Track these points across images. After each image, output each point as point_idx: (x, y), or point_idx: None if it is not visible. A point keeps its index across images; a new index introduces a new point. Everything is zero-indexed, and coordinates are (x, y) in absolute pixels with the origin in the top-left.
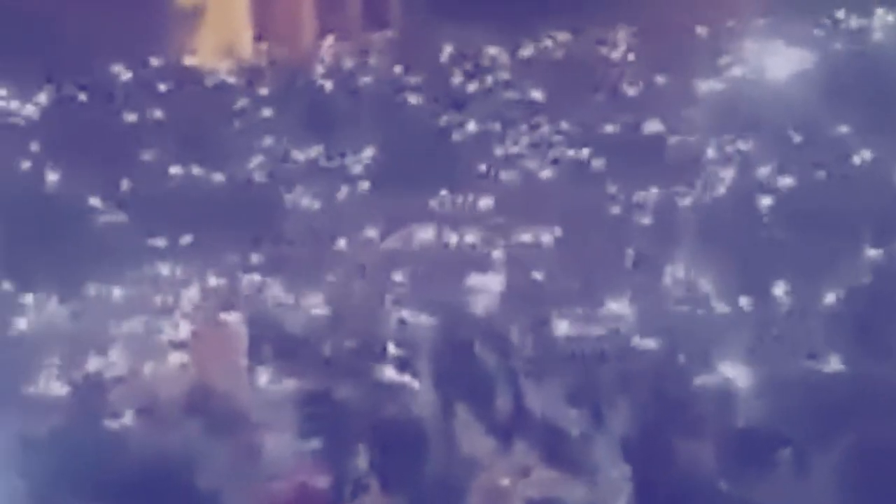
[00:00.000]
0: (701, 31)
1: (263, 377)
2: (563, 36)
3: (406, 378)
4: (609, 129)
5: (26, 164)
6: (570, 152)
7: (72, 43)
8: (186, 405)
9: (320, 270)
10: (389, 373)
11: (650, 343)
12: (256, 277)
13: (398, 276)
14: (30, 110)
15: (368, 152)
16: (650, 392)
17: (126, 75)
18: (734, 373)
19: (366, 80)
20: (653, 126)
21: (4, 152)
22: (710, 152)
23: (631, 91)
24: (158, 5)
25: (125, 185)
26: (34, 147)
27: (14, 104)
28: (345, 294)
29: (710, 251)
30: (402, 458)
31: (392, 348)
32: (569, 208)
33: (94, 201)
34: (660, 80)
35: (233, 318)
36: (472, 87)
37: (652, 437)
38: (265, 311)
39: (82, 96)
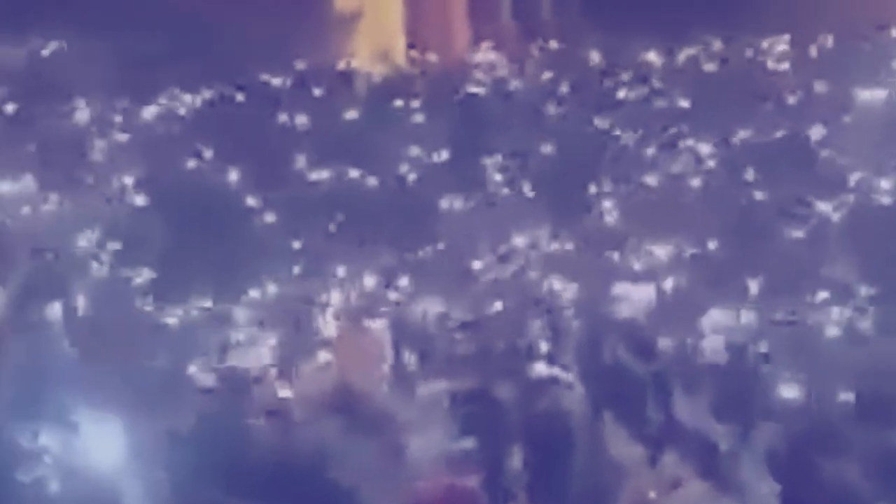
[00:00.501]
0: (860, 38)
1: (411, 377)
2: (716, 44)
3: (555, 383)
4: (763, 137)
5: (187, 164)
6: (720, 160)
7: (230, 47)
8: (334, 404)
9: (471, 274)
10: (538, 375)
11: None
12: (407, 279)
13: (549, 282)
14: (192, 112)
15: (517, 159)
16: (800, 408)
17: (282, 80)
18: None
19: (517, 86)
20: (810, 134)
21: (167, 152)
22: (867, 163)
23: (788, 99)
24: (315, 12)
25: (280, 186)
26: (196, 147)
27: (178, 105)
28: (495, 298)
29: (867, 262)
30: (549, 463)
31: (541, 351)
32: (719, 217)
33: (252, 201)
34: (818, 88)
35: (382, 319)
36: (623, 93)
37: (802, 454)
38: (415, 313)
39: (240, 97)
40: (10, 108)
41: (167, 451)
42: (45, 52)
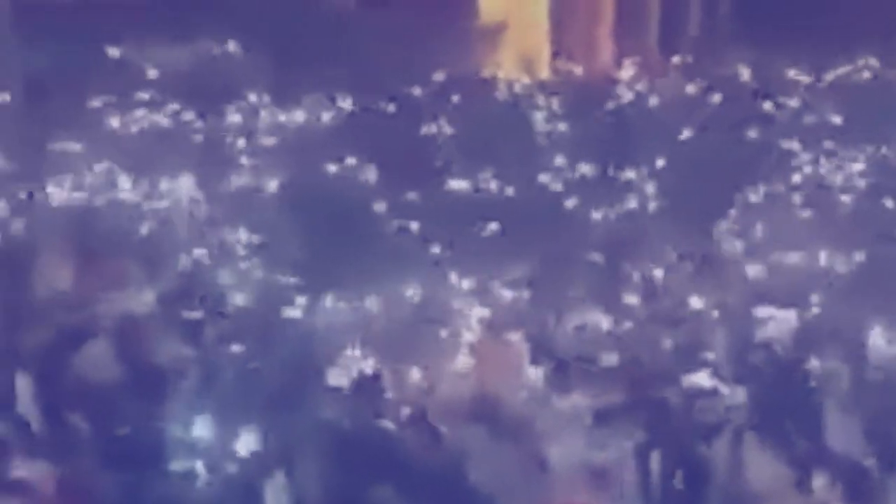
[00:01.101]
0: None
1: (549, 389)
2: (871, 60)
3: (700, 397)
4: None
5: (330, 169)
6: (871, 178)
7: (376, 57)
8: (472, 412)
9: (611, 285)
10: (684, 388)
11: None
12: (545, 289)
13: (691, 301)
14: (336, 121)
15: (659, 173)
16: None
17: (426, 89)
18: None
19: (661, 99)
20: None
21: (311, 160)
22: None
23: None
24: (461, 22)
25: (419, 193)
26: (337, 155)
27: (324, 115)
28: (638, 310)
29: None
30: (687, 482)
31: (688, 366)
32: (870, 234)
33: (391, 208)
34: None
35: (520, 329)
36: (770, 108)
37: None
38: (554, 323)
39: (388, 107)
40: (173, 107)
41: (306, 451)
42: (211, 55)
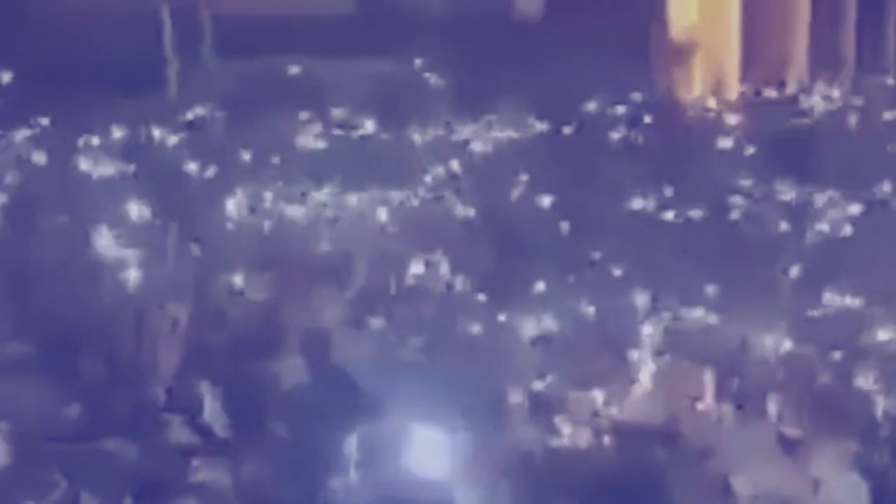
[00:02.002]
0: None
1: (726, 413)
2: None
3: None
4: None
5: (514, 190)
6: None
7: (563, 76)
8: (653, 436)
9: (800, 309)
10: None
11: None
12: (727, 313)
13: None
14: (520, 139)
15: (854, 195)
16: None
17: (612, 108)
18: None
19: (855, 121)
20: None
21: (495, 180)
22: None
23: None
24: (650, 43)
25: (601, 214)
26: (521, 174)
27: (509, 133)
28: (820, 334)
29: None
30: None
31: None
32: None
33: (563, 226)
34: None
35: (699, 350)
36: None
37: None
38: (733, 343)
39: (567, 129)
40: (359, 125)
41: (482, 466)
42: (393, 72)
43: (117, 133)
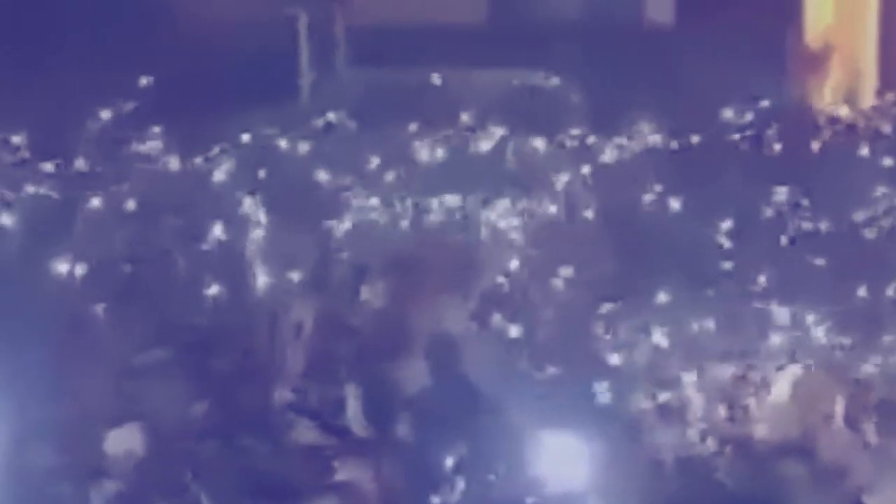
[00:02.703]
0: None
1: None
2: None
3: None
4: None
5: (643, 200)
6: None
7: (692, 85)
8: (783, 451)
9: None
10: None
11: None
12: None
13: None
14: (650, 149)
15: None
16: None
17: (743, 116)
18: None
19: None
20: None
21: (627, 187)
22: None
23: None
24: (782, 49)
25: (733, 222)
26: (649, 184)
27: (639, 142)
28: None
29: None
30: None
31: None
32: None
33: (690, 237)
34: None
35: (832, 366)
36: None
37: None
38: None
39: (697, 138)
40: (499, 131)
41: (608, 475)
42: (543, 85)
43: (249, 140)
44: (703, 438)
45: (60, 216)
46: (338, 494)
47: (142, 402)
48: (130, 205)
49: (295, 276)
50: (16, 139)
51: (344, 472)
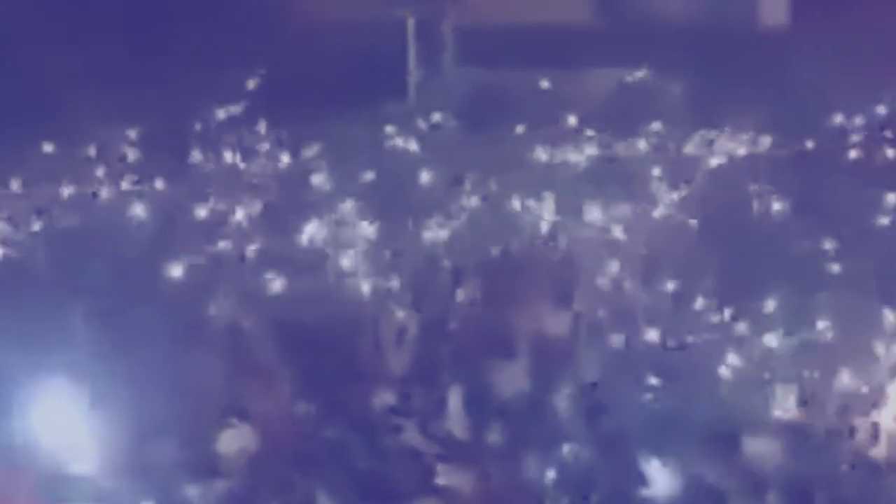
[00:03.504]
0: None
1: None
2: None
3: None
4: None
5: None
6: None
7: (804, 90)
8: None
9: None
10: None
11: None
12: None
13: None
14: (754, 153)
15: None
16: None
17: (856, 122)
18: None
19: None
20: None
21: (734, 192)
22: None
23: None
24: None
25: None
26: (761, 188)
27: (747, 147)
28: None
29: None
30: None
31: None
32: None
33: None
34: None
35: None
36: None
37: None
38: None
39: (809, 144)
40: (604, 133)
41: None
42: (629, 79)
43: (354, 139)
44: (822, 453)
45: (174, 214)
46: (439, 498)
47: (252, 401)
48: (240, 202)
49: (397, 278)
50: (131, 136)
51: (445, 476)
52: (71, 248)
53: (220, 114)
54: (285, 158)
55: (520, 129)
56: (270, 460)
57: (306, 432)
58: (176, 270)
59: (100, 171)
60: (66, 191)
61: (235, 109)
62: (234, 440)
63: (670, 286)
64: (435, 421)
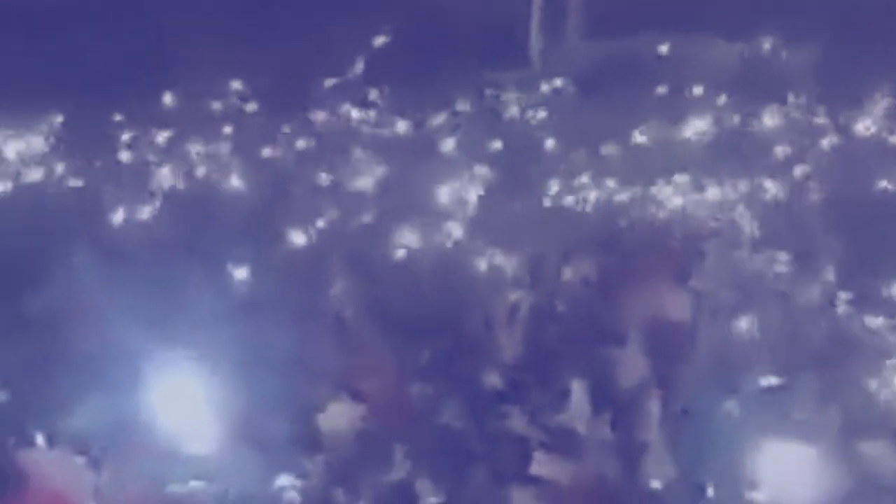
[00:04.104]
0: None
1: None
2: None
3: None
4: None
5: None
6: None
7: None
8: None
9: None
10: None
11: None
12: None
13: None
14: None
15: None
16: None
17: None
18: None
19: None
20: None
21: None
22: None
23: None
24: None
25: None
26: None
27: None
28: None
29: None
30: None
31: None
32: None
33: None
34: None
35: None
36: None
37: None
38: None
39: None
40: (722, 99)
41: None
42: (776, 56)
43: (472, 106)
44: None
45: (292, 180)
46: (537, 487)
47: (359, 379)
48: (357, 170)
49: (514, 256)
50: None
51: (545, 466)
52: (191, 215)
53: (342, 78)
54: (406, 125)
55: (641, 97)
56: (376, 437)
57: (414, 411)
58: (298, 237)
59: (227, 129)
60: (194, 148)
61: (358, 72)
62: (341, 416)
63: (791, 264)
64: (544, 409)
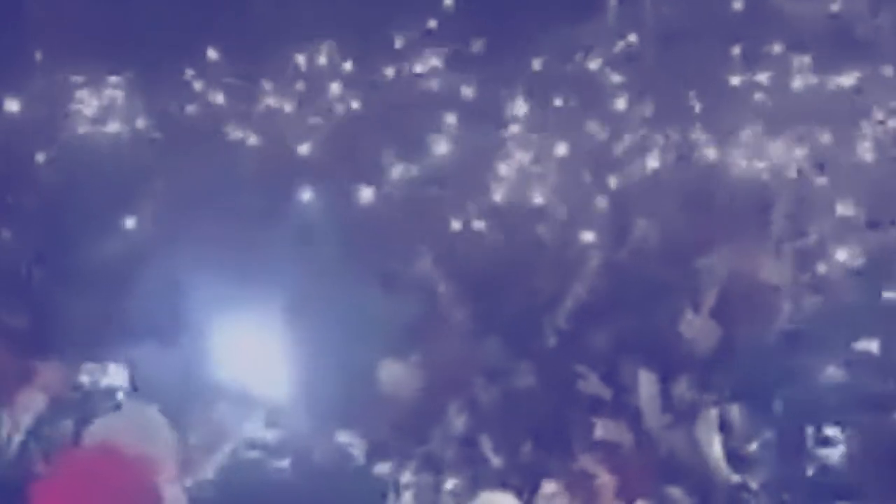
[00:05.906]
0: None
1: None
2: None
3: None
4: None
5: None
6: None
7: None
8: None
9: None
10: None
11: None
12: None
13: None
14: None
15: None
16: None
17: None
18: None
19: None
20: None
21: None
22: None
23: None
24: None
25: None
26: None
27: None
28: None
29: None
30: None
31: None
32: None
33: None
34: None
35: None
36: None
37: None
38: None
39: None
40: (805, 60)
41: None
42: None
43: (548, 61)
44: None
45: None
46: (600, 452)
47: (424, 338)
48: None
49: (586, 214)
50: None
51: (609, 430)
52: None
53: (415, 31)
54: (469, 91)
55: (717, 54)
56: (438, 395)
57: (481, 369)
58: (366, 194)
59: (300, 85)
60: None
61: (431, 26)
62: (404, 374)
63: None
64: (614, 370)
